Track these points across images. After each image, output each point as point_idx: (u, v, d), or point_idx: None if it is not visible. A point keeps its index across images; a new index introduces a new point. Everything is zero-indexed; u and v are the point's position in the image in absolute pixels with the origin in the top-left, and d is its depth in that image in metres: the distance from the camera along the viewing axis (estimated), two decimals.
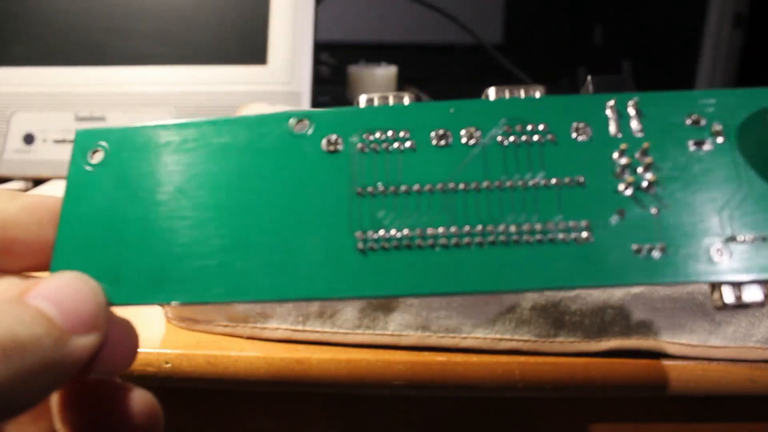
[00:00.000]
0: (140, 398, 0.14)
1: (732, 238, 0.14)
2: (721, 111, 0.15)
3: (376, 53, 0.82)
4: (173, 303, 0.14)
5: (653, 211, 0.14)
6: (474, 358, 0.25)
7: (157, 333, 0.26)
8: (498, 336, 0.25)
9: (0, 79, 0.49)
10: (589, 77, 0.16)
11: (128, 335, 0.14)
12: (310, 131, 0.15)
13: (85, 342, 0.12)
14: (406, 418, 0.29)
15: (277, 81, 0.48)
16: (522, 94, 0.16)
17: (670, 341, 0.25)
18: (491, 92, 0.16)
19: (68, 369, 0.12)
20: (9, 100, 0.48)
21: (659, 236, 0.14)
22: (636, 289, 0.24)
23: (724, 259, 0.13)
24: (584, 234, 0.14)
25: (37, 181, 0.47)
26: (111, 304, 0.14)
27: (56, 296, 0.12)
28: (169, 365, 0.25)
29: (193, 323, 0.26)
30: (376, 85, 0.60)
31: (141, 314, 0.27)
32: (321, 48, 0.60)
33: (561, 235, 0.14)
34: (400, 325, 0.25)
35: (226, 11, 0.49)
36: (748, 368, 0.24)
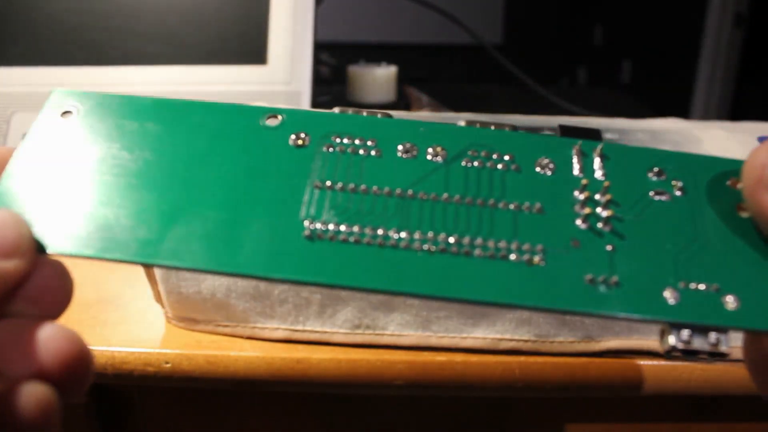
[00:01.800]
0: (61, 336, 0.13)
1: (684, 285, 0.14)
2: (683, 171, 0.15)
3: (376, 53, 0.82)
4: (106, 258, 0.14)
5: (609, 247, 0.14)
6: (474, 358, 0.25)
7: (157, 333, 0.26)
8: (498, 336, 0.25)
9: (0, 79, 0.49)
10: (558, 125, 0.17)
11: (60, 277, 0.14)
12: (280, 125, 0.16)
13: (1, 266, 0.13)
14: (406, 418, 0.29)
15: (277, 81, 0.48)
16: (492, 128, 0.16)
17: None
18: (461, 123, 0.16)
19: None
20: (9, 100, 0.48)
21: (612, 270, 0.14)
22: None
23: (675, 302, 0.13)
24: (536, 258, 0.14)
25: None
26: (44, 251, 0.14)
27: None
28: (169, 365, 0.25)
29: (193, 323, 0.26)
30: (376, 85, 0.59)
31: (141, 314, 0.27)
32: (321, 48, 0.60)
33: (513, 255, 0.14)
34: (400, 325, 0.25)
35: (226, 11, 0.49)
36: None
